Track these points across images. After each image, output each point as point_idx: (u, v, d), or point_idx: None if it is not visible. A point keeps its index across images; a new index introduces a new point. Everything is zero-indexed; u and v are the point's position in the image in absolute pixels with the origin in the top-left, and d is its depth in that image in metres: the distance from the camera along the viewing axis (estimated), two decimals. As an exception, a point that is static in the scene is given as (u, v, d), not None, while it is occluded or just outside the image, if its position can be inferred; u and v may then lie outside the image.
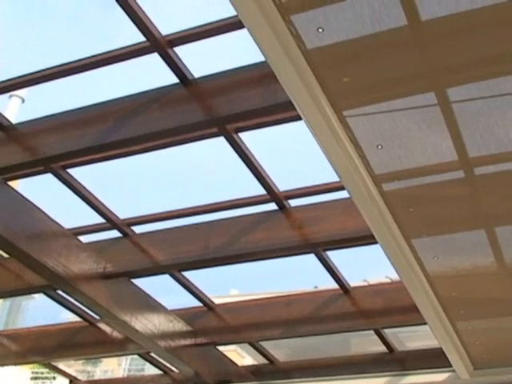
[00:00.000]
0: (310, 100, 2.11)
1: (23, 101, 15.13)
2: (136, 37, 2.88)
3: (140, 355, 5.48)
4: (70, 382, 6.04)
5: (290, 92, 2.14)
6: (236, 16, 2.28)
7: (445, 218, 2.72)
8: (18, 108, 14.25)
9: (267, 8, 1.85)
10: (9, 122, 3.39)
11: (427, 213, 2.69)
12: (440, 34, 1.91)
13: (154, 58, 2.96)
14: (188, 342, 4.70)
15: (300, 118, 2.30)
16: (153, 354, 5.25)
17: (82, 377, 6.54)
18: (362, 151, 2.33)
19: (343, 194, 3.38)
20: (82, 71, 3.14)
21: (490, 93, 2.09)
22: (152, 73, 3.34)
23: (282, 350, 6.24)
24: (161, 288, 4.75)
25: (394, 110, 2.17)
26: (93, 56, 3.07)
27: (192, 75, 3.06)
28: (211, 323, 4.79)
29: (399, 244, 2.83)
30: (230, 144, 3.26)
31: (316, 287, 5.33)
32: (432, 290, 3.17)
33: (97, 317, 4.84)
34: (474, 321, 3.50)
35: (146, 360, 5.55)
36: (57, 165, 3.46)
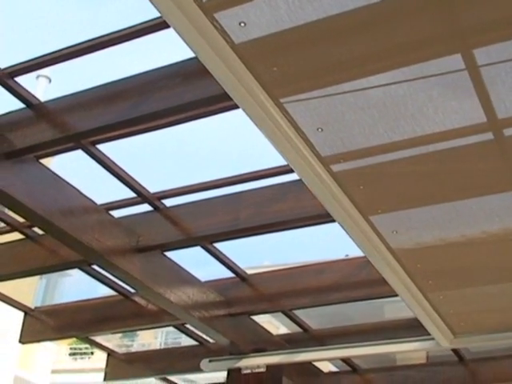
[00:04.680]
0: (244, 91, 2.22)
1: (50, 81, 15.26)
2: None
3: (175, 327, 5.56)
4: (108, 355, 6.16)
5: (223, 84, 2.23)
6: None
7: (399, 195, 2.82)
8: (45, 88, 14.38)
9: (189, 8, 1.94)
10: (38, 100, 3.44)
11: (379, 190, 2.79)
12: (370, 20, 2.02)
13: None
14: (222, 312, 4.76)
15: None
16: (188, 326, 5.34)
17: (119, 350, 6.66)
18: (305, 135, 2.43)
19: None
20: (105, 47, 3.16)
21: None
22: (174, 46, 3.35)
23: (315, 318, 6.30)
24: (193, 260, 4.81)
25: (329, 95, 2.28)
26: (115, 32, 3.08)
27: (216, 46, 3.06)
28: (244, 293, 4.85)
29: (357, 222, 2.90)
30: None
31: (347, 255, 5.35)
32: (398, 263, 3.23)
33: (132, 290, 4.92)
34: (444, 291, 3.56)
35: (182, 331, 5.64)
36: (86, 141, 3.51)
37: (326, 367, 6.77)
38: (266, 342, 5.20)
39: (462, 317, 3.91)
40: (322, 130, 2.41)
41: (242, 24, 2.00)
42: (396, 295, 4.79)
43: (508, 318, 3.93)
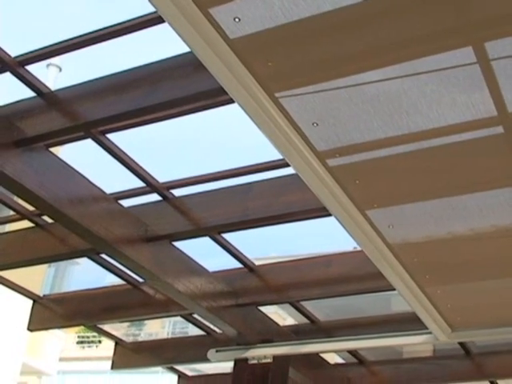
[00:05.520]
0: (240, 86, 2.23)
1: (60, 70, 15.29)
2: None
3: (183, 316, 5.58)
4: (116, 343, 6.19)
5: (219, 79, 2.26)
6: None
7: (395, 189, 2.83)
8: (56, 77, 14.42)
9: (184, 3, 1.96)
10: (48, 88, 3.44)
11: (375, 185, 2.80)
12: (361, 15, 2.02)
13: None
14: (229, 302, 4.77)
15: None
16: (195, 316, 5.35)
17: (127, 339, 6.68)
18: (300, 129, 2.44)
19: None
20: (115, 37, 3.16)
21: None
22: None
23: (323, 309, 6.31)
24: (201, 250, 4.82)
25: (326, 90, 2.28)
26: (126, 21, 3.08)
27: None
28: (252, 284, 4.85)
29: (353, 216, 2.91)
30: (266, 105, 3.26)
31: (355, 248, 5.34)
32: (395, 257, 3.23)
33: (140, 279, 4.94)
34: (441, 285, 3.56)
35: (189, 321, 5.66)
36: (96, 130, 3.51)
37: (333, 359, 6.79)
38: (273, 333, 5.21)
39: (459, 311, 3.90)
40: (317, 124, 2.41)
41: (237, 19, 2.02)
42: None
43: (506, 312, 3.93)
